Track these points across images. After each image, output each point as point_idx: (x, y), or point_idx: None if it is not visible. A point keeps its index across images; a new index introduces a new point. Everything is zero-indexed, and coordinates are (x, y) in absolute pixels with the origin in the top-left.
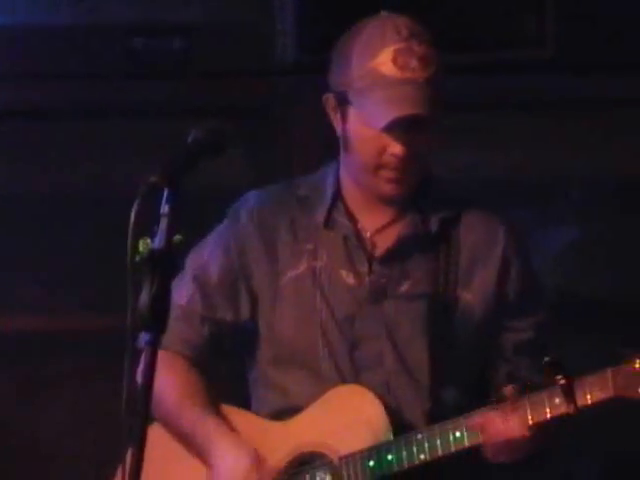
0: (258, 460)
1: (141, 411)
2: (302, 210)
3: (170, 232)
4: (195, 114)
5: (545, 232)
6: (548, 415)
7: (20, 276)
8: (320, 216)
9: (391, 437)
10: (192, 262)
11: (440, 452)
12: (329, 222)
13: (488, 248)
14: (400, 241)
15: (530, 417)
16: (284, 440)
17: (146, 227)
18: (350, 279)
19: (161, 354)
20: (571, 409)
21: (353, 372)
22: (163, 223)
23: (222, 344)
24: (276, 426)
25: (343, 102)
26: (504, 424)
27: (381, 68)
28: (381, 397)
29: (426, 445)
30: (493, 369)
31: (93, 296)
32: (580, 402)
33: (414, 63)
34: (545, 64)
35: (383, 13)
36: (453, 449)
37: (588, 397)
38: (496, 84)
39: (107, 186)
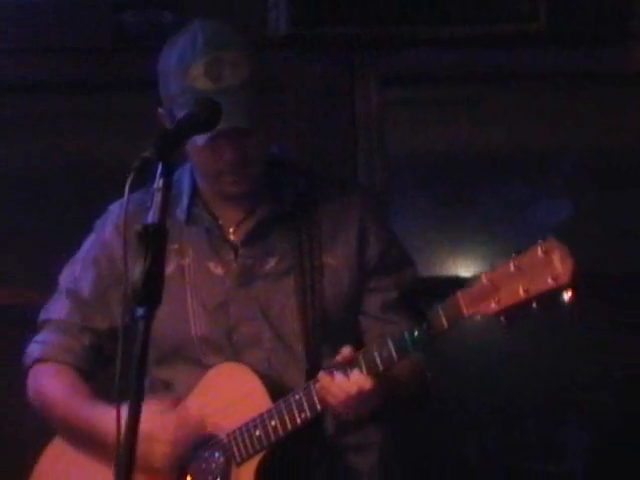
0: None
1: (134, 386)
2: None
3: (163, 206)
4: None
5: (539, 206)
6: (410, 347)
7: (3, 250)
8: (181, 214)
9: (271, 405)
10: (65, 278)
11: (319, 407)
12: (190, 218)
13: (345, 215)
14: (259, 223)
15: (365, 368)
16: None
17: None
18: (218, 269)
19: (46, 365)
20: (429, 336)
21: (234, 355)
22: (157, 198)
23: (102, 351)
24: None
25: (172, 118)
26: (342, 378)
27: (195, 83)
28: (264, 372)
29: (305, 404)
30: (366, 331)
31: None
32: (437, 328)
33: (226, 71)
34: (538, 38)
35: (195, 22)
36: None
37: (444, 323)
38: (490, 58)
39: (94, 160)
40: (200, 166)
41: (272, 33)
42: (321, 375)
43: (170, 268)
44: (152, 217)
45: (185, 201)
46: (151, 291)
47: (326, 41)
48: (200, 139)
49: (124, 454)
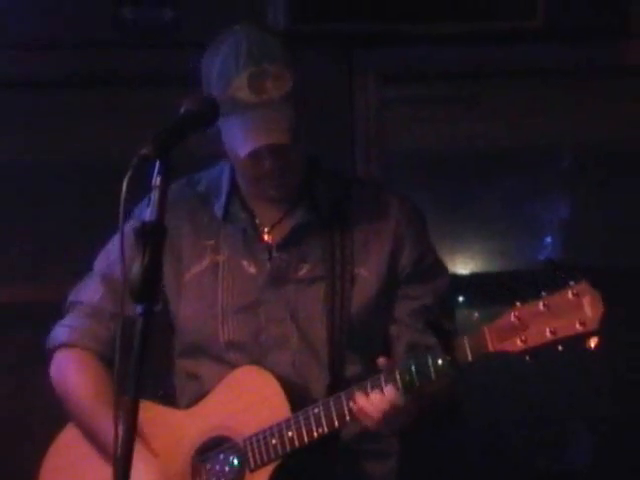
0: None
1: (133, 383)
2: (202, 206)
3: (162, 204)
4: (185, 84)
5: (536, 201)
6: (433, 376)
7: (8, 246)
8: (219, 211)
9: (290, 414)
10: (100, 262)
11: (337, 424)
12: (228, 216)
13: (380, 224)
14: (295, 229)
15: (400, 385)
16: (191, 427)
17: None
18: (252, 268)
19: (72, 352)
20: (453, 369)
21: (260, 355)
22: (155, 195)
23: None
24: (183, 414)
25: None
26: (378, 396)
27: (238, 94)
28: (287, 376)
29: (323, 419)
30: (395, 337)
31: (80, 266)
32: (461, 361)
33: (268, 84)
34: (536, 34)
35: (236, 28)
36: (348, 418)
37: (468, 356)
38: (488, 55)
39: (93, 156)
40: (241, 171)
41: (271, 28)
42: (356, 392)
43: (204, 264)
44: (150, 215)
45: (223, 198)
46: (149, 288)
47: (324, 37)
48: (242, 151)
49: (121, 459)
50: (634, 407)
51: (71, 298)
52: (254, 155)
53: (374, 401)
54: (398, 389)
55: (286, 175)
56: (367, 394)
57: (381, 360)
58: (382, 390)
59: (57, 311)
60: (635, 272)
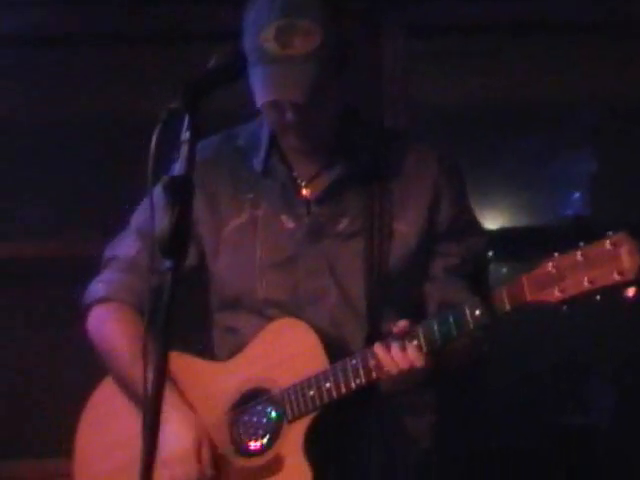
0: (199, 439)
1: (161, 335)
2: (241, 160)
3: (190, 158)
4: (210, 39)
5: (562, 156)
6: (471, 326)
7: (37, 200)
8: (258, 165)
9: (327, 366)
10: (137, 218)
11: (374, 374)
12: (267, 170)
13: (420, 178)
14: (334, 183)
15: (424, 344)
16: (228, 380)
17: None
18: (290, 223)
19: (109, 305)
20: (491, 317)
21: (297, 309)
22: (184, 149)
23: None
24: (220, 367)
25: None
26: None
27: (265, 45)
28: (325, 329)
29: (361, 370)
30: (428, 294)
31: (105, 221)
32: (499, 310)
33: (296, 39)
34: None
35: None
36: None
37: (506, 305)
38: (505, 8)
39: (124, 110)
40: (267, 119)
41: None
42: (377, 346)
43: (243, 217)
44: (179, 169)
45: (262, 152)
46: (178, 243)
47: None
48: (258, 101)
49: (151, 406)
50: None
51: (107, 254)
52: (273, 106)
53: (394, 355)
54: (422, 346)
55: (308, 129)
56: (388, 346)
57: (401, 323)
58: (404, 347)
59: (85, 266)
60: None
